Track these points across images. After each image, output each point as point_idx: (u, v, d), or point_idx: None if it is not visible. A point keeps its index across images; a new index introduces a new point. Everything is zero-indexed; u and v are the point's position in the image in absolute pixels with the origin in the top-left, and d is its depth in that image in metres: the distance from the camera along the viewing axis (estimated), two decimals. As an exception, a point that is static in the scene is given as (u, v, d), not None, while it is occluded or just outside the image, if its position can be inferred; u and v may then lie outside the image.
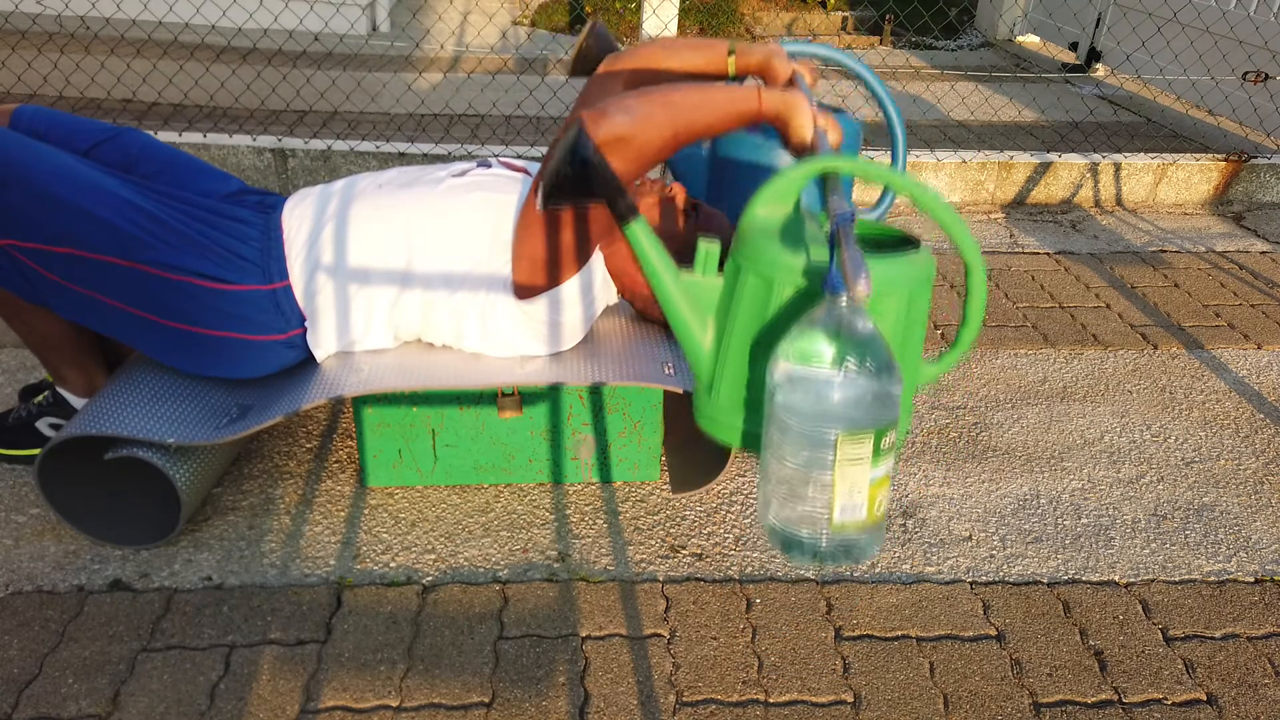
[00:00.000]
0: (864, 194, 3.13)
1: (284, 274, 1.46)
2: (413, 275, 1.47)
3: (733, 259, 1.24)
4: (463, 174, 1.52)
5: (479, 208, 1.46)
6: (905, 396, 1.25)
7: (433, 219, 1.46)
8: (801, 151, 1.42)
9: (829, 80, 4.30)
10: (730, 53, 1.62)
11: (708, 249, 1.24)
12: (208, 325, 1.44)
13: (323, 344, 1.50)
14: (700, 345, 1.27)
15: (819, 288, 1.15)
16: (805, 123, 1.38)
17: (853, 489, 1.10)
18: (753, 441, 1.28)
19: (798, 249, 1.17)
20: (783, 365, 1.10)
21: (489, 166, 1.56)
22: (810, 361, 1.07)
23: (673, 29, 4.37)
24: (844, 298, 1.07)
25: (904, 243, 1.30)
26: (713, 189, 1.92)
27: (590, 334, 1.63)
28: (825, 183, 1.24)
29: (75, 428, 1.39)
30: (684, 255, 1.56)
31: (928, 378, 1.31)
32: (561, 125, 1.52)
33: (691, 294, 1.26)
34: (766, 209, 1.23)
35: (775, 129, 1.42)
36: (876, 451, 1.10)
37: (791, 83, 1.59)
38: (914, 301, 1.21)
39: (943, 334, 2.25)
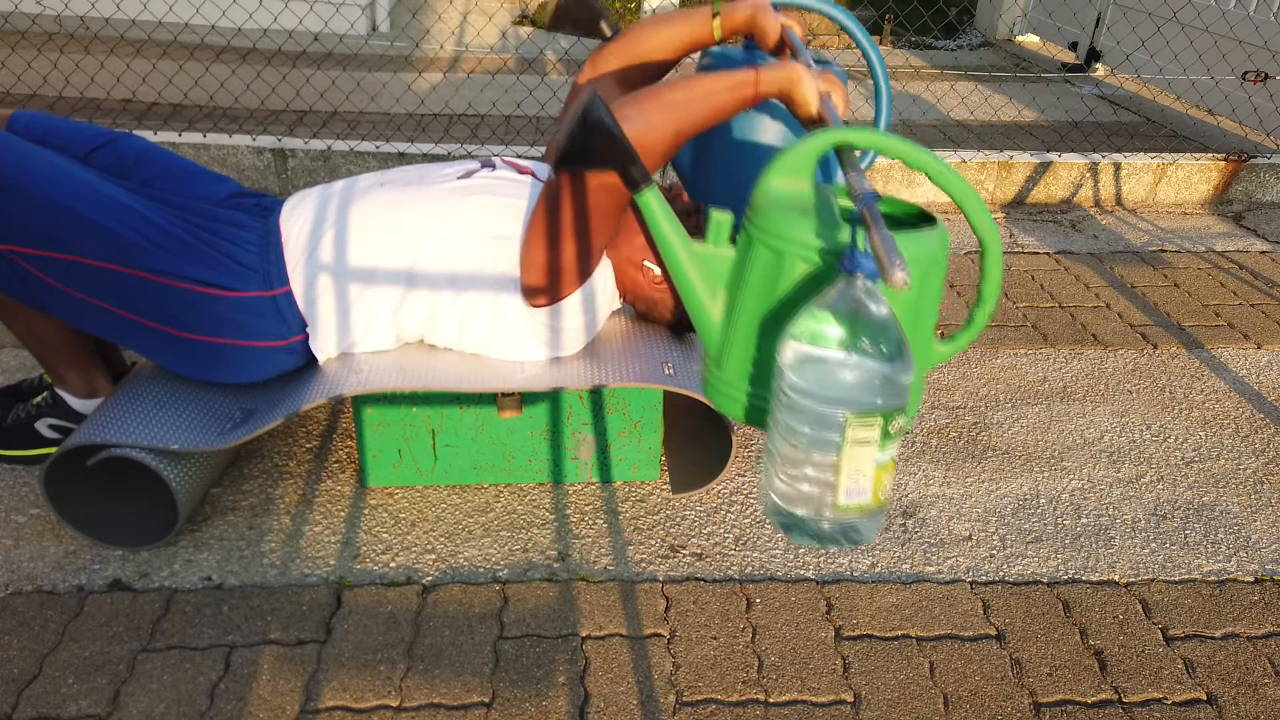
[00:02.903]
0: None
1: (284, 279, 1.45)
2: (418, 278, 1.46)
3: (745, 230, 1.21)
4: (468, 175, 1.51)
5: (486, 210, 1.45)
6: (916, 378, 1.21)
7: (439, 221, 1.45)
8: (811, 121, 1.38)
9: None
10: (715, 15, 1.59)
11: (720, 219, 1.21)
12: (207, 332, 1.43)
13: (324, 347, 1.50)
14: (710, 316, 1.25)
15: (833, 265, 1.13)
16: (809, 94, 1.35)
17: (858, 471, 1.08)
18: (757, 416, 1.26)
19: (812, 224, 1.14)
20: (793, 345, 1.08)
21: (493, 168, 1.55)
22: (822, 342, 1.05)
23: (672, 29, 4.36)
24: (860, 278, 1.05)
25: (919, 218, 1.27)
26: (698, 161, 1.87)
27: (592, 338, 1.63)
28: (840, 154, 1.21)
29: (81, 436, 1.39)
30: None
31: (940, 358, 1.28)
32: (560, 113, 1.51)
33: (702, 264, 1.24)
34: (780, 180, 1.20)
35: (783, 104, 1.39)
36: (884, 435, 1.07)
37: (782, 41, 1.56)
38: (929, 281, 1.18)
39: (943, 333, 2.25)
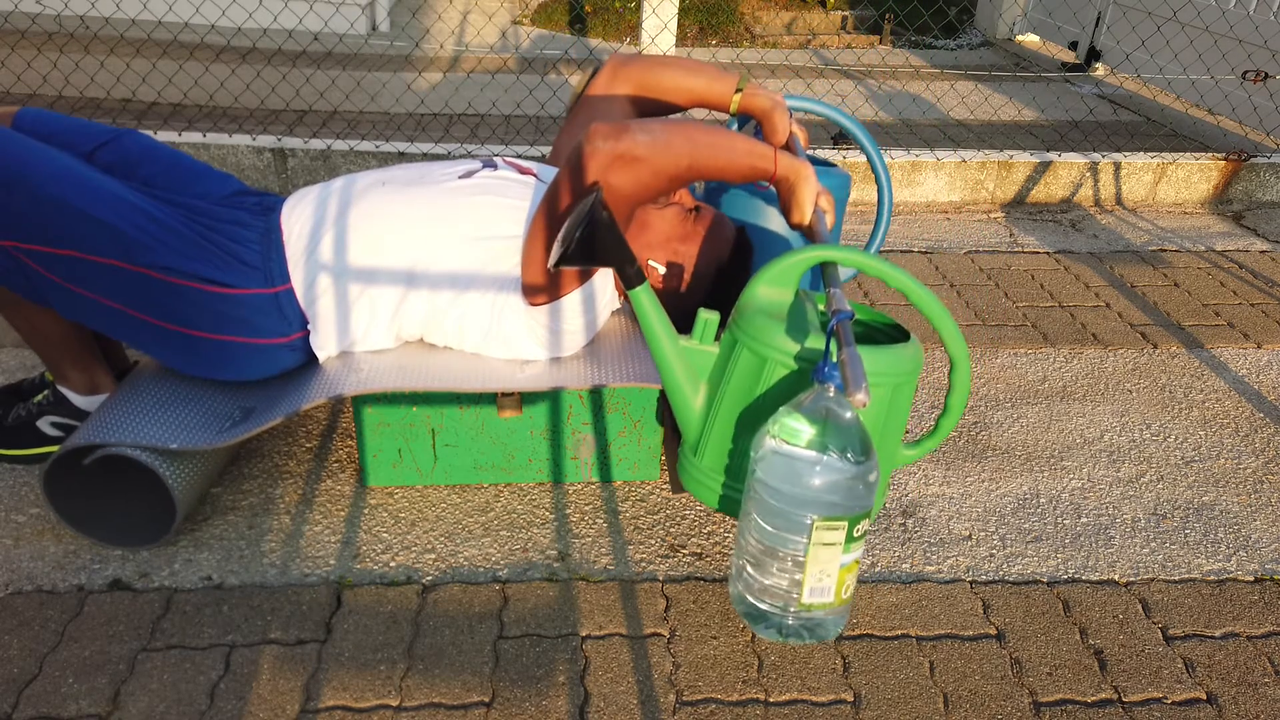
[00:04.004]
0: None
1: (285, 277, 1.45)
2: (418, 277, 1.46)
3: (729, 332, 1.28)
4: (469, 175, 1.52)
5: (488, 210, 1.45)
6: (882, 478, 1.29)
7: (440, 221, 1.45)
8: (798, 226, 1.44)
9: (828, 79, 4.30)
10: (738, 90, 1.62)
11: (706, 318, 1.29)
12: (208, 329, 1.44)
13: (325, 345, 1.50)
14: (691, 408, 1.31)
15: (809, 372, 1.19)
16: (809, 198, 1.42)
17: (823, 571, 1.14)
18: (730, 506, 1.31)
19: (794, 332, 1.21)
20: (768, 443, 1.13)
21: (494, 167, 1.55)
22: (794, 440, 1.11)
23: (672, 28, 4.36)
24: (831, 388, 1.11)
25: (894, 332, 1.34)
26: None
27: (592, 338, 1.63)
28: (824, 268, 1.28)
29: (80, 438, 1.39)
30: (681, 255, 1.56)
31: (905, 460, 1.36)
32: (562, 123, 1.51)
33: (687, 359, 1.30)
34: (767, 289, 1.28)
35: (777, 192, 1.44)
36: (849, 538, 1.13)
37: (788, 145, 1.61)
38: (899, 392, 1.24)
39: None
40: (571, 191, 1.34)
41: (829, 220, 1.44)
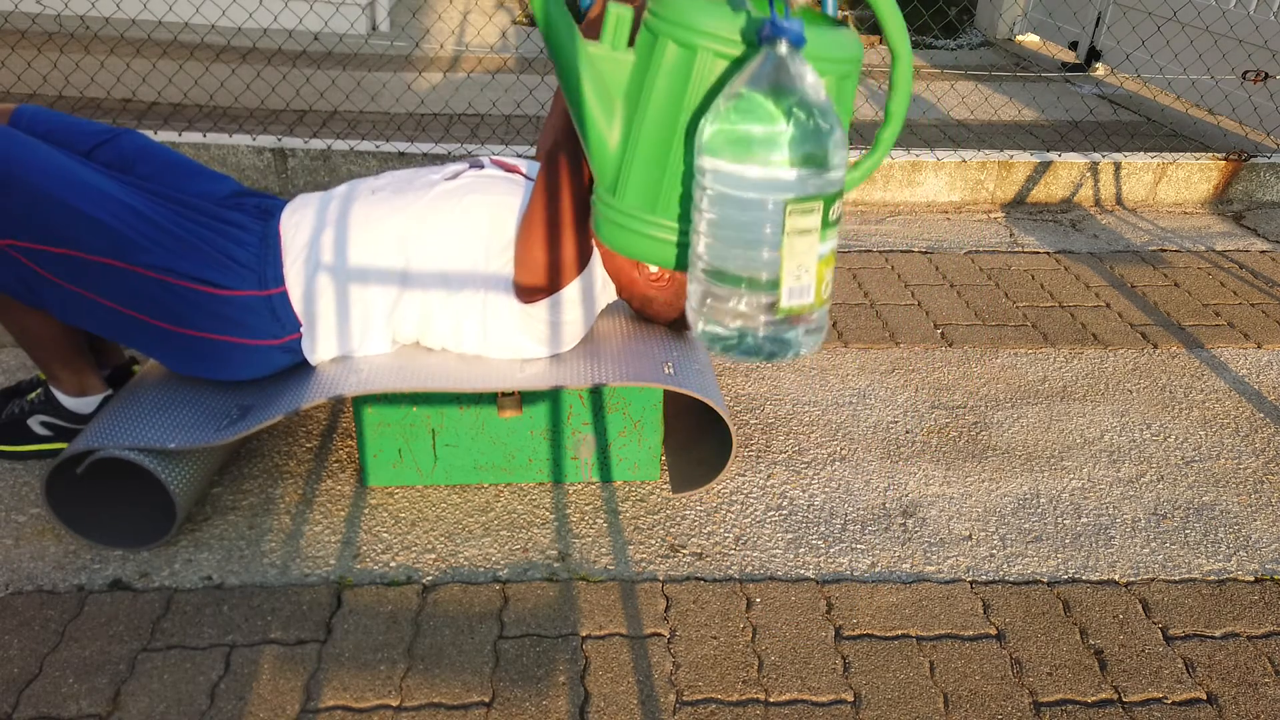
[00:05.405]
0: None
1: (280, 280, 1.46)
2: (410, 281, 1.47)
3: (646, 28, 1.03)
4: (455, 176, 1.52)
5: (474, 210, 1.45)
6: None
7: (427, 225, 1.45)
8: None
9: None
10: None
11: (619, 13, 1.02)
12: (202, 328, 1.44)
13: (319, 350, 1.50)
14: (604, 135, 1.06)
15: (751, 57, 0.97)
16: None
17: (800, 266, 0.97)
18: (661, 251, 1.09)
19: (723, 12, 0.98)
20: (719, 129, 0.94)
21: (481, 167, 1.56)
22: (748, 119, 0.92)
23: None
24: (783, 43, 0.92)
25: (834, 25, 1.10)
26: None
27: (590, 334, 1.63)
28: None
29: (82, 443, 1.39)
30: None
31: (846, 185, 1.09)
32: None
33: (597, 70, 1.03)
34: None
35: None
36: (825, 222, 0.97)
37: None
38: (843, 85, 1.05)
39: (943, 333, 2.25)
40: (562, 175, 1.33)
41: None
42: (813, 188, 0.95)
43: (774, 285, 0.97)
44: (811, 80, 0.94)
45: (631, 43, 1.09)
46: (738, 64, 0.99)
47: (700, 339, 1.04)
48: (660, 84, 1.02)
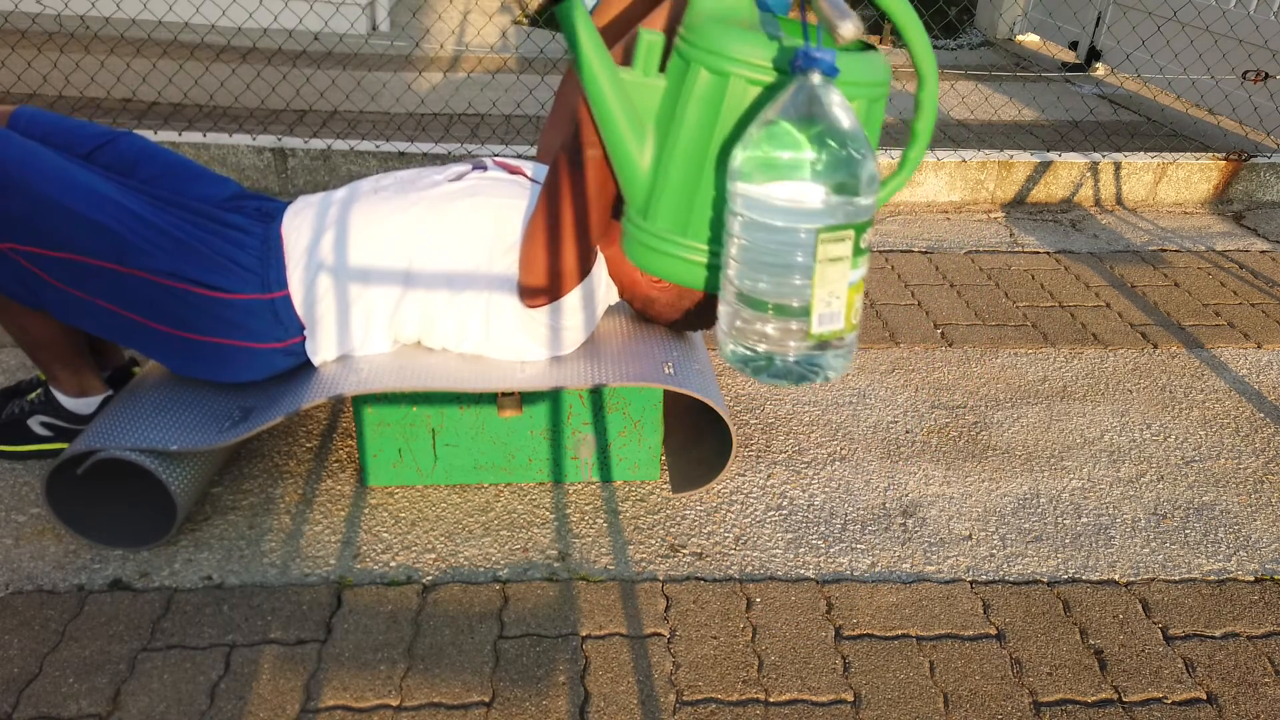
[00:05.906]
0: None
1: (283, 283, 1.46)
2: (413, 282, 1.46)
3: (678, 54, 1.04)
4: (459, 178, 1.51)
5: (478, 213, 1.45)
6: None
7: (431, 226, 1.45)
8: None
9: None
10: None
11: (650, 39, 1.03)
12: (204, 332, 1.44)
13: (321, 352, 1.50)
14: (635, 159, 1.08)
15: (783, 85, 0.99)
16: None
17: (832, 294, 0.98)
18: (691, 272, 1.11)
19: (756, 38, 0.99)
20: (752, 156, 0.95)
21: (484, 169, 1.55)
22: (780, 147, 0.93)
23: (672, 28, 4.35)
24: (816, 74, 0.93)
25: (862, 48, 1.13)
26: None
27: (591, 334, 1.63)
28: None
29: (83, 443, 1.39)
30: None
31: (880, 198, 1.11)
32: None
33: (628, 96, 1.05)
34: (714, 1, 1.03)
35: None
36: (856, 250, 0.98)
37: None
38: (873, 109, 1.06)
39: (943, 333, 2.25)
40: (566, 180, 1.32)
41: None
42: (844, 216, 0.96)
43: (805, 312, 0.98)
44: (843, 108, 0.95)
45: (663, 69, 1.10)
46: (770, 90, 1.00)
47: (729, 361, 1.05)
48: (692, 110, 1.03)
